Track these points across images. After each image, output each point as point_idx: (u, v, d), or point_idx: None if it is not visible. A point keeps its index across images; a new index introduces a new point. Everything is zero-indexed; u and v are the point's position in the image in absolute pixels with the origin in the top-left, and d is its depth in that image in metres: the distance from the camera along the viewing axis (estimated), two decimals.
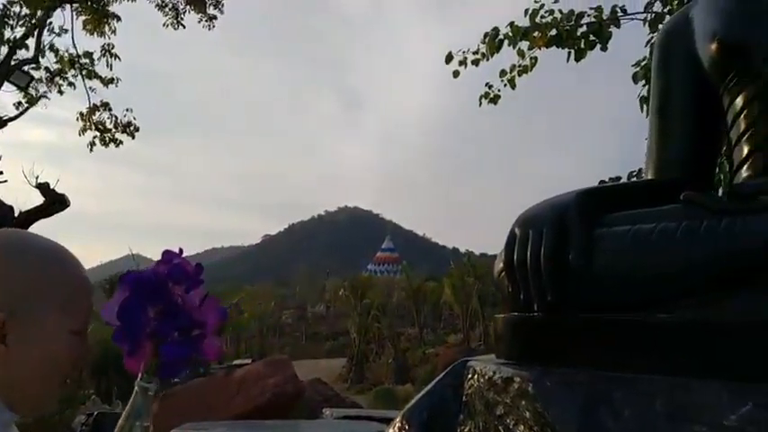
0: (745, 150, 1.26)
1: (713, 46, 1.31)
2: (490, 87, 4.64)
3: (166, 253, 0.71)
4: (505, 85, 4.57)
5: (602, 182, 3.68)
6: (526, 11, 4.23)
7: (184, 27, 8.58)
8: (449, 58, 4.61)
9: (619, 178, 4.01)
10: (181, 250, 0.71)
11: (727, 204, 1.05)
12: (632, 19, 4.12)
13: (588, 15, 4.16)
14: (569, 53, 4.20)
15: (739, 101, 1.28)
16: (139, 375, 0.70)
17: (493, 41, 4.34)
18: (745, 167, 1.26)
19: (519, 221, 1.25)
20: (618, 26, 4.11)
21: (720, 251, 0.96)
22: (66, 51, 8.71)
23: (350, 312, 32.62)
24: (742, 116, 1.27)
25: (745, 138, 1.27)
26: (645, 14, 3.95)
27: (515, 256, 1.21)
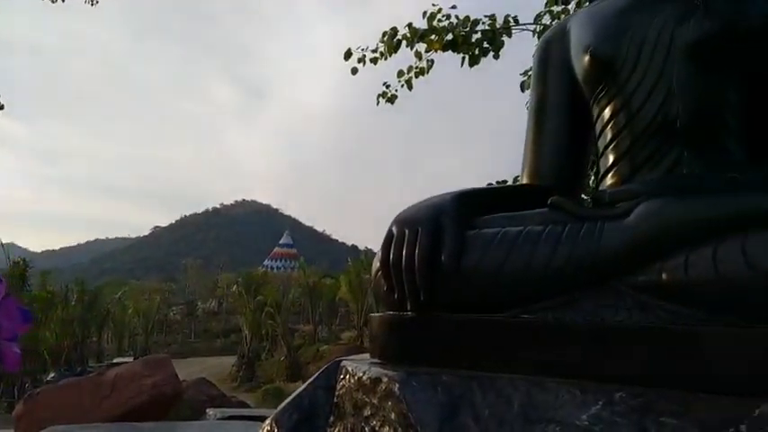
0: (611, 159, 1.32)
1: (586, 58, 1.37)
2: (388, 87, 4.66)
3: None
4: (402, 85, 4.62)
5: (489, 184, 3.80)
6: (424, 13, 4.29)
7: (63, 1, 7.89)
8: (348, 55, 4.59)
9: (505, 181, 4.16)
10: None
11: (590, 210, 1.10)
12: (523, 29, 4.28)
13: (483, 23, 4.29)
14: (464, 58, 4.31)
15: (607, 112, 1.34)
16: None
17: (391, 41, 4.37)
18: (609, 175, 1.32)
19: (396, 221, 1.25)
20: (510, 35, 4.26)
21: (579, 255, 1.00)
22: None
23: (242, 309, 31.83)
24: (609, 126, 1.33)
25: (610, 147, 1.33)
26: (534, 26, 4.12)
27: (391, 256, 1.20)
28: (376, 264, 1.27)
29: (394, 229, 1.23)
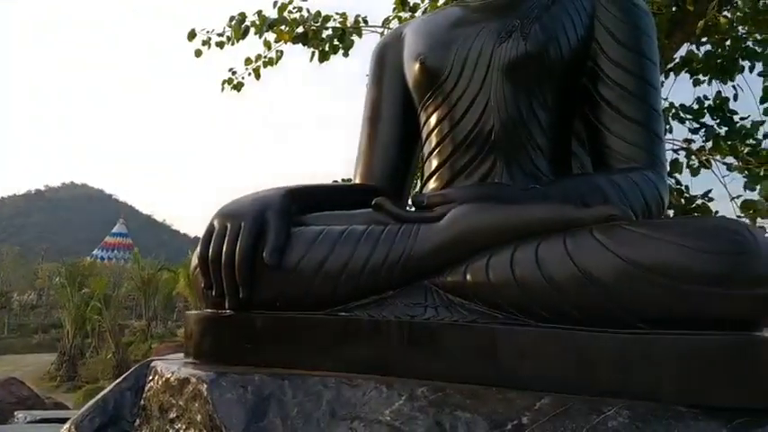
0: (434, 164, 1.39)
1: (416, 66, 1.42)
2: (234, 74, 4.52)
3: None
4: (250, 74, 4.50)
5: (334, 181, 3.83)
6: (275, 3, 4.21)
7: None
8: (192, 36, 4.38)
9: (350, 179, 4.22)
10: None
11: (409, 213, 1.14)
12: (373, 31, 4.37)
13: (334, 20, 4.31)
14: (314, 53, 4.30)
15: (433, 119, 1.40)
16: None
17: (238, 27, 4.24)
18: (432, 180, 1.39)
19: (219, 214, 1.20)
20: (360, 35, 4.32)
21: (394, 255, 1.03)
22: None
23: (65, 302, 29.03)
24: (433, 133, 1.40)
25: (434, 153, 1.39)
26: (383, 29, 4.22)
27: (210, 251, 1.15)
28: (195, 259, 1.22)
29: (216, 222, 1.18)
